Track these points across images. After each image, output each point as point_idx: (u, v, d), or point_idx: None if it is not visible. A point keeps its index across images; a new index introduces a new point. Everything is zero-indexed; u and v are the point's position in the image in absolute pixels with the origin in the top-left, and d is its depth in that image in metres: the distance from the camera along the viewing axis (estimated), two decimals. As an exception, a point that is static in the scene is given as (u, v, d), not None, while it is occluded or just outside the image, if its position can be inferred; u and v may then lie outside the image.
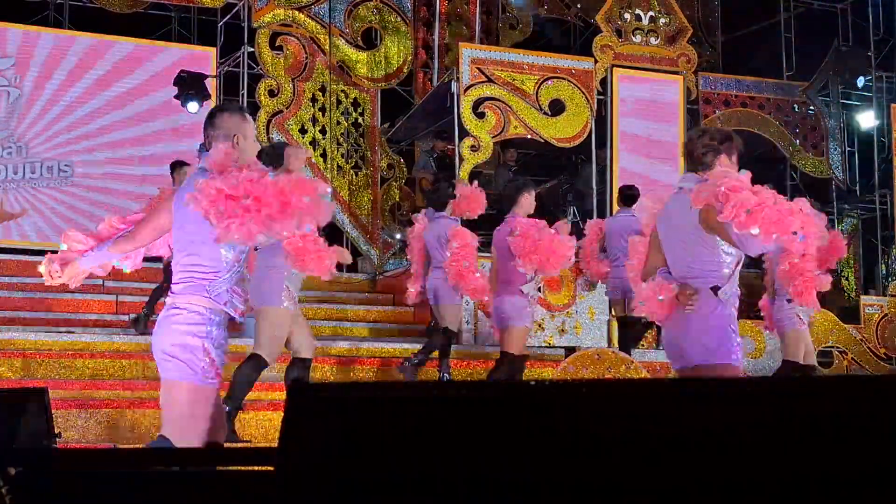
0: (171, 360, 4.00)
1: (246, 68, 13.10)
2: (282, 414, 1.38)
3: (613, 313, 9.85)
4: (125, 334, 9.52)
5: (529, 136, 12.32)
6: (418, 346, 9.94)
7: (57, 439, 6.01)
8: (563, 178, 13.45)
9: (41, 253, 10.49)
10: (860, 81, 13.89)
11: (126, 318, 10.56)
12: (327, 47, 13.36)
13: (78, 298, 10.70)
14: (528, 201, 7.75)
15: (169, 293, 4.14)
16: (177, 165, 9.44)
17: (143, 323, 9.34)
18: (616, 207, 11.83)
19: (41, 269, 4.41)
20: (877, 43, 14.88)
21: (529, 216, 7.80)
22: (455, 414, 1.29)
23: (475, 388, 1.35)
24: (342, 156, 13.45)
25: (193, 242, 3.97)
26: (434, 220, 8.71)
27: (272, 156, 6.51)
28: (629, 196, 9.63)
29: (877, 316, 12.33)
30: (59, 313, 10.34)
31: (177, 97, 12.19)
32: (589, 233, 9.67)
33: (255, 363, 6.68)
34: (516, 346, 7.76)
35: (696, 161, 4.64)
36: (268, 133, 12.79)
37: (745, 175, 4.44)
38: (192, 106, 12.16)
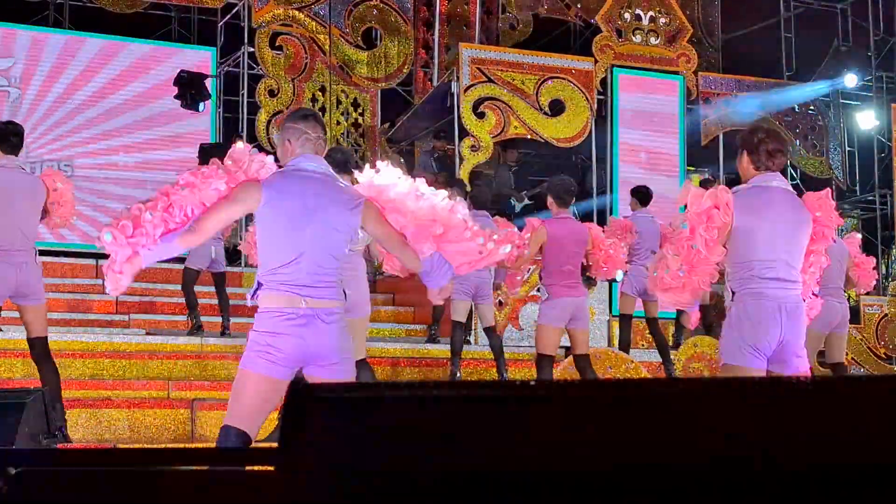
0: (344, 362, 4.04)
1: (246, 68, 13.10)
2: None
3: (622, 310, 9.82)
4: (125, 334, 9.53)
5: (529, 136, 12.32)
6: (418, 347, 9.95)
7: (56, 439, 6.04)
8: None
9: (41, 253, 10.50)
10: (851, 80, 13.85)
11: (126, 318, 10.57)
12: (327, 47, 13.36)
13: (78, 298, 10.71)
14: None
15: (326, 297, 3.96)
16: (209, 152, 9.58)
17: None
18: (621, 206, 11.83)
19: (108, 285, 4.03)
20: (877, 43, 14.88)
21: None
22: (456, 413, 1.29)
23: (476, 388, 1.35)
24: (342, 156, 13.44)
25: (342, 248, 4.07)
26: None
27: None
28: (646, 196, 9.64)
29: (877, 316, 12.33)
30: (59, 313, 10.34)
31: (177, 97, 12.19)
32: (621, 232, 9.45)
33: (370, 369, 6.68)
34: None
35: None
36: (268, 133, 12.79)
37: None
38: (200, 106, 12.15)
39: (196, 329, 9.49)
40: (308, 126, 4.07)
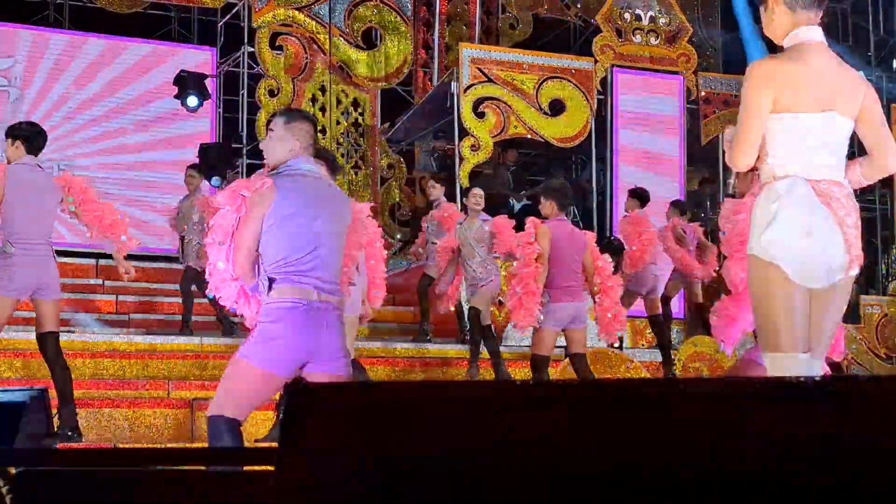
0: (347, 358, 4.13)
1: (246, 68, 13.10)
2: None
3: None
4: (125, 334, 9.53)
5: (529, 136, 12.32)
6: (418, 347, 9.94)
7: (57, 439, 6.04)
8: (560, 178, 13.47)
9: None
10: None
11: (126, 318, 10.57)
12: (327, 47, 13.36)
13: (78, 298, 10.71)
14: None
15: (334, 293, 4.04)
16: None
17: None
18: (621, 206, 11.84)
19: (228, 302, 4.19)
20: (877, 43, 14.88)
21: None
22: (455, 414, 1.30)
23: (475, 389, 1.35)
24: (342, 156, 13.45)
25: (344, 241, 4.24)
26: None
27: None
28: (646, 198, 9.71)
29: (877, 316, 12.33)
30: (60, 313, 10.33)
31: (177, 97, 12.18)
32: (637, 225, 9.52)
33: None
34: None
35: None
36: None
37: None
38: (193, 99, 12.09)
39: (185, 327, 9.51)
40: (313, 130, 4.24)
